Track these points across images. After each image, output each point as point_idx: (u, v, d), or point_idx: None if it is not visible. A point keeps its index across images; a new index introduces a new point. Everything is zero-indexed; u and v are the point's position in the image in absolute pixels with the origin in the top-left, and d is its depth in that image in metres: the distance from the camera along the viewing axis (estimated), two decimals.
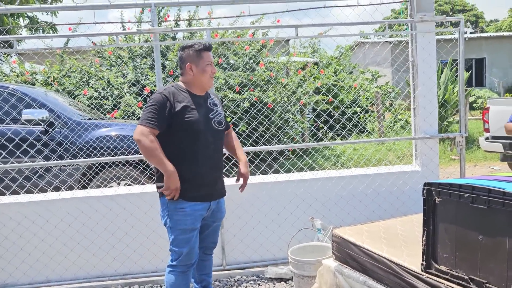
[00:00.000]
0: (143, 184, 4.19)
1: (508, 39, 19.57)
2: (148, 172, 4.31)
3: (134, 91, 6.55)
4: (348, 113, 6.26)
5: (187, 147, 2.56)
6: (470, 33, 28.34)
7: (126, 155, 4.28)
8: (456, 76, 10.03)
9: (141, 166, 4.36)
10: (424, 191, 2.12)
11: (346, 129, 5.02)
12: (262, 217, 3.77)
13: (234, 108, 6.10)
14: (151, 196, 3.57)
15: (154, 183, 3.96)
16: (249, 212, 3.76)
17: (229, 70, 6.88)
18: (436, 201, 2.07)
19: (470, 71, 17.95)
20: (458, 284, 1.96)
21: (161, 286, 3.55)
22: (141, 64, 7.08)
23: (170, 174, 2.47)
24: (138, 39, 7.50)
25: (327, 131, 7.32)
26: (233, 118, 6.04)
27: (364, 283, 2.45)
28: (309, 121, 7.94)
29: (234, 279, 3.63)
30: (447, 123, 9.46)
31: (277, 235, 3.79)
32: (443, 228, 2.06)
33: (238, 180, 2.84)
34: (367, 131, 9.59)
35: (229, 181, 3.14)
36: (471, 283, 1.91)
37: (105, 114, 6.19)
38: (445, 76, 10.07)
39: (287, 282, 3.53)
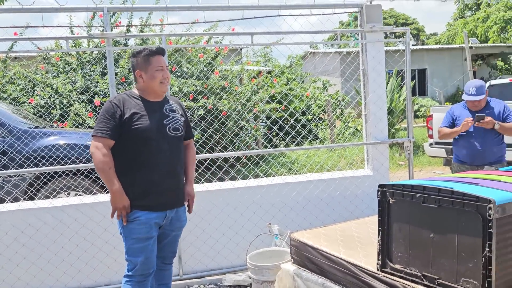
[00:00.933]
0: (95, 194, 4.04)
1: (447, 51, 20.86)
2: (101, 181, 4.16)
3: (83, 100, 6.32)
4: (303, 120, 6.38)
5: (138, 155, 2.49)
6: (413, 45, 29.91)
7: (77, 164, 4.12)
8: (402, 85, 10.53)
9: (93, 176, 4.20)
10: (379, 193, 2.20)
11: (301, 135, 5.12)
12: (219, 224, 3.75)
13: (190, 115, 6.05)
14: (104, 206, 3.44)
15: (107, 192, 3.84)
16: (206, 220, 3.72)
17: (183, 78, 6.81)
18: (390, 202, 2.16)
19: (414, 81, 18.89)
20: (412, 281, 2.04)
21: None
22: (90, 71, 6.85)
23: (113, 193, 2.43)
24: (88, 45, 7.27)
25: (282, 138, 7.44)
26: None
27: (323, 285, 2.49)
28: (263, 128, 8.02)
29: None
30: (394, 130, 9.88)
31: (235, 242, 3.77)
32: (397, 228, 2.14)
33: (185, 200, 2.73)
34: (319, 139, 9.82)
35: None
36: (424, 279, 2.00)
37: (52, 123, 5.93)
38: (391, 85, 10.53)
39: None
